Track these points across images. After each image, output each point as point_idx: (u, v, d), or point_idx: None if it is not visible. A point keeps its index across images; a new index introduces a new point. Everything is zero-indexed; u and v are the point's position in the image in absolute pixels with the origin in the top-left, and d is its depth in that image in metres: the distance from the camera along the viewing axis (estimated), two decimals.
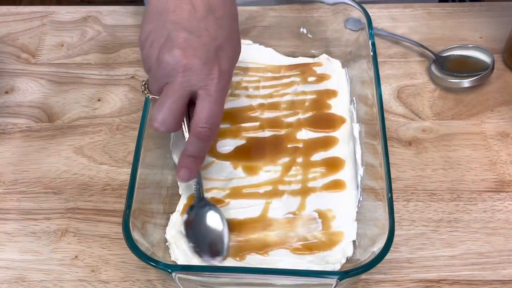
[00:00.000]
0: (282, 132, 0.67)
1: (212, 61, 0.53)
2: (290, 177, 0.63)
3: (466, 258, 0.59)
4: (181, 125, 0.56)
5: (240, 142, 0.66)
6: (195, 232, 0.58)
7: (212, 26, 0.54)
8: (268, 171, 0.63)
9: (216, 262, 0.56)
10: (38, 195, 0.64)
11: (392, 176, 0.57)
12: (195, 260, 0.56)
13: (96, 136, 0.70)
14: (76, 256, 0.60)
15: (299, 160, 0.64)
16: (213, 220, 0.58)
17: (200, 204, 0.59)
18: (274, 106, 0.69)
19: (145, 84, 0.57)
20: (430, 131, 0.69)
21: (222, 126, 0.67)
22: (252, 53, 0.74)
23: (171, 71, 0.52)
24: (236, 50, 0.57)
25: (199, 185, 0.60)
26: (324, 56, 0.75)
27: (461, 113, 0.71)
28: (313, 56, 0.75)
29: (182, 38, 0.52)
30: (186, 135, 0.56)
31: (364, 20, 0.68)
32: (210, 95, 0.52)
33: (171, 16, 0.53)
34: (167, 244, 0.58)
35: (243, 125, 0.67)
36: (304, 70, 0.73)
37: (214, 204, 0.60)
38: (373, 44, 0.65)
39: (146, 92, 0.56)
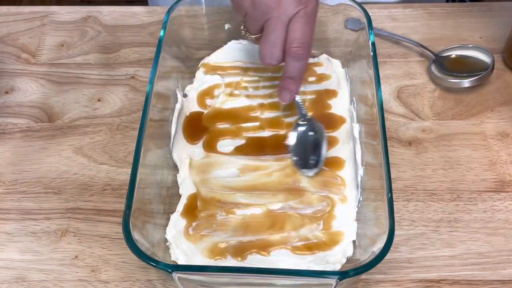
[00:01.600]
0: (282, 132, 0.67)
1: None
2: (290, 177, 0.63)
3: (466, 258, 0.59)
4: None
5: (240, 141, 0.66)
6: (298, 145, 0.63)
7: None
8: None
9: (311, 173, 0.61)
10: (38, 195, 0.64)
11: (392, 176, 0.57)
12: (195, 260, 0.56)
13: (96, 136, 0.70)
14: (76, 256, 0.60)
15: None
16: (314, 135, 0.64)
17: (305, 121, 0.65)
18: (274, 106, 0.69)
19: (243, 28, 0.63)
20: (430, 131, 0.69)
21: (222, 126, 0.67)
22: (252, 53, 0.74)
23: (267, 8, 0.58)
24: None
25: (300, 104, 0.64)
26: (324, 56, 0.75)
27: (461, 113, 0.71)
28: (313, 56, 0.75)
29: None
30: None
31: (364, 20, 0.68)
32: (301, 17, 0.58)
33: None
34: (167, 244, 0.58)
35: (243, 125, 0.67)
36: None
37: (318, 121, 0.65)
38: (373, 44, 0.65)
39: (247, 34, 0.63)
